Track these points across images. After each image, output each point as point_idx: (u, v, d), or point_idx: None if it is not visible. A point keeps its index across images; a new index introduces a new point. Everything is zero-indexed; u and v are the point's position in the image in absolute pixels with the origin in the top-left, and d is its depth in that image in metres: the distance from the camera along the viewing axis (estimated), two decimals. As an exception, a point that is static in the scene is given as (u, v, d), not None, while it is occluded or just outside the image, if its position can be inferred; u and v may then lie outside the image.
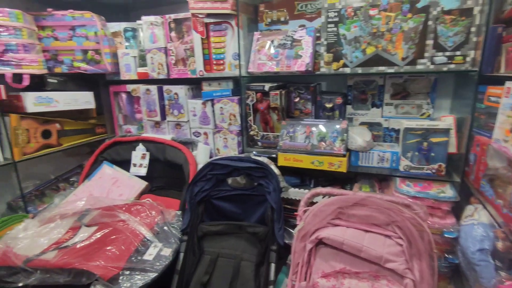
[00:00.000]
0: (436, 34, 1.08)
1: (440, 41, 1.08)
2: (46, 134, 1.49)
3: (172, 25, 1.46)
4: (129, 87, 1.66)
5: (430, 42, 1.09)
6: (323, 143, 1.26)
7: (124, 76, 1.64)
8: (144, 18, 1.50)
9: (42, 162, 1.58)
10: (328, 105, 1.38)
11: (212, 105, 1.46)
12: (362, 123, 1.40)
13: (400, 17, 1.10)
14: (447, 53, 1.08)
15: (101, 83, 1.74)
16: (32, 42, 1.38)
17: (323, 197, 1.23)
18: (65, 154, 1.71)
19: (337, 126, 1.28)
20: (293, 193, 1.36)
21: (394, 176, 1.22)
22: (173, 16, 1.45)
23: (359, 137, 1.26)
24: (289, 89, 1.43)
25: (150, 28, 1.49)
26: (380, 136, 1.39)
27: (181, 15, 1.44)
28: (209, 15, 1.36)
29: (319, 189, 1.14)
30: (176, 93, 1.52)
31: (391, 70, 1.16)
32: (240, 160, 1.25)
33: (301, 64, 1.31)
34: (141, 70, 1.58)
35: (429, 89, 1.29)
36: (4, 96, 1.24)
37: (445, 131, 1.13)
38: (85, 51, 1.52)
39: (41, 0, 1.53)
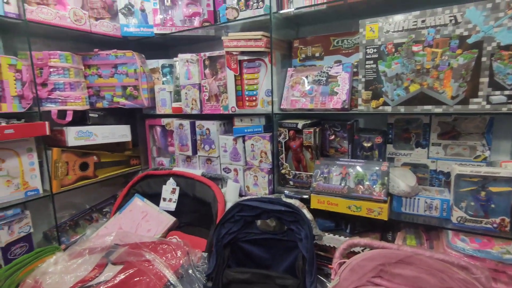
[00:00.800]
0: (492, 71, 0.97)
1: (497, 78, 0.96)
2: (83, 167, 1.55)
3: (207, 62, 1.49)
4: (164, 121, 1.69)
5: (484, 80, 0.98)
6: (361, 186, 1.16)
7: (160, 110, 1.68)
8: (180, 55, 1.54)
9: (79, 192, 1.63)
10: (367, 144, 1.28)
11: (243, 141, 1.43)
12: (405, 164, 1.28)
13: (448, 53, 1.01)
14: (507, 92, 0.96)
15: (138, 117, 1.80)
16: (78, 80, 1.47)
17: (362, 249, 1.11)
18: (100, 184, 1.75)
19: (377, 168, 1.18)
20: (327, 239, 1.25)
21: (446, 228, 1.07)
22: (208, 54, 1.48)
23: (402, 181, 1.14)
24: (324, 126, 1.36)
25: (186, 65, 1.53)
26: (426, 179, 1.25)
27: (215, 53, 1.46)
28: (242, 53, 1.36)
29: (357, 240, 1.02)
30: (208, 129, 1.51)
31: (438, 109, 1.05)
32: (270, 202, 1.18)
33: (337, 101, 1.24)
34: (175, 105, 1.61)
35: (484, 129, 1.15)
36: (48, 132, 1.31)
37: (508, 180, 0.97)
38: (124, 87, 1.59)
39: (91, 41, 1.65)
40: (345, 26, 1.37)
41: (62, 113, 1.41)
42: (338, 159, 1.29)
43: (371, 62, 1.13)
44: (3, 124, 1.17)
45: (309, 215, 1.16)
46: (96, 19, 1.55)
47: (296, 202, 1.20)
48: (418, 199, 1.14)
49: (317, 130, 1.31)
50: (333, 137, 1.36)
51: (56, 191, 1.42)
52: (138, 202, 1.56)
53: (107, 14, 1.60)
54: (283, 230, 1.20)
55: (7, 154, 1.26)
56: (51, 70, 1.37)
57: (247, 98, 1.41)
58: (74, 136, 1.45)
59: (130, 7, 1.57)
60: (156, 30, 1.55)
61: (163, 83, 1.70)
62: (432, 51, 1.03)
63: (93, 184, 1.60)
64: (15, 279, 1.20)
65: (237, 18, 1.36)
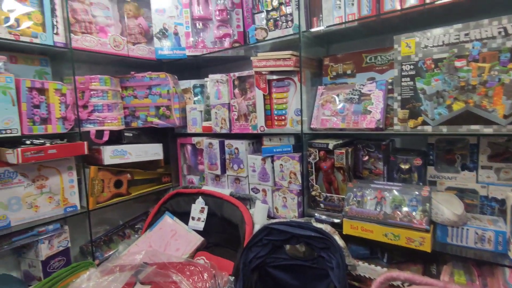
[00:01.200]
0: (552, 87, 0.86)
1: (559, 95, 0.85)
2: (118, 184, 1.60)
3: (236, 82, 1.50)
4: (194, 140, 1.72)
5: (543, 96, 0.87)
6: (399, 213, 1.07)
7: (191, 129, 1.71)
8: (211, 76, 1.57)
9: (113, 208, 1.69)
10: (404, 166, 1.19)
11: (272, 161, 1.40)
12: (450, 189, 1.16)
13: (498, 68, 0.92)
14: None
15: (169, 135, 1.85)
16: (116, 101, 1.55)
17: (402, 284, 1.00)
18: (133, 200, 1.80)
19: (417, 193, 1.08)
20: (362, 268, 1.16)
21: (502, 265, 0.94)
22: (237, 74, 1.49)
23: (447, 208, 1.03)
24: (357, 146, 1.29)
25: (216, 85, 1.55)
26: (475, 206, 1.12)
27: (244, 73, 1.47)
28: (271, 72, 1.35)
29: (396, 273, 0.93)
30: (236, 148, 1.51)
31: (488, 130, 0.94)
32: (300, 226, 1.13)
33: (370, 121, 1.17)
34: (206, 124, 1.63)
35: (544, 150, 1.02)
36: (86, 151, 1.38)
37: None
38: (158, 107, 1.65)
39: (128, 64, 1.74)
40: (378, 42, 1.31)
41: (99, 133, 1.49)
42: (372, 181, 1.21)
43: (408, 79, 1.06)
44: (48, 144, 1.26)
45: (341, 242, 1.08)
46: (133, 43, 1.64)
47: (327, 227, 1.13)
48: (467, 229, 1.02)
49: (350, 150, 1.25)
50: (366, 158, 1.28)
51: (92, 208, 1.48)
52: (168, 220, 1.57)
53: (143, 39, 1.69)
54: (313, 257, 1.13)
55: (50, 172, 1.35)
56: (92, 93, 1.46)
57: (276, 118, 1.39)
58: (110, 154, 1.51)
59: (164, 31, 1.64)
60: (188, 52, 1.61)
61: (194, 103, 1.73)
62: (478, 66, 0.94)
63: (127, 201, 1.65)
64: (51, 293, 1.25)
65: (266, 38, 1.37)
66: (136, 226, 1.80)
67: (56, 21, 1.35)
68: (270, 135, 1.43)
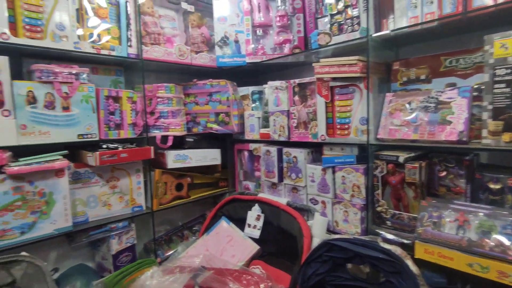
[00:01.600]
0: None
1: None
2: (179, 187, 1.68)
3: (296, 89, 1.46)
4: (252, 146, 1.72)
5: None
6: (488, 241, 0.92)
7: (248, 135, 1.72)
8: (270, 83, 1.56)
9: (173, 210, 1.77)
10: (494, 186, 1.03)
11: (333, 172, 1.32)
12: (554, 215, 0.97)
13: None
14: None
15: (227, 141, 1.88)
16: (179, 108, 1.63)
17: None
18: (191, 203, 1.87)
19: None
20: (437, 299, 1.03)
21: None
22: (297, 80, 1.45)
23: (553, 239, 0.86)
24: (432, 160, 1.16)
25: (275, 92, 1.53)
26: None
27: (305, 80, 1.42)
28: (334, 79, 1.28)
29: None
30: (295, 156, 1.46)
31: None
32: (365, 245, 1.04)
33: (450, 132, 1.04)
34: (263, 131, 1.62)
35: None
36: (153, 156, 1.46)
37: None
38: (217, 114, 1.68)
39: (190, 72, 1.81)
40: (461, 43, 1.16)
41: (164, 138, 1.57)
42: (452, 201, 1.07)
43: (503, 85, 0.92)
44: (120, 148, 1.36)
45: (414, 268, 0.97)
46: (196, 52, 1.71)
47: (397, 250, 1.02)
48: None
49: (423, 164, 1.12)
50: (444, 173, 1.14)
51: (156, 209, 1.56)
52: (225, 225, 1.59)
53: (205, 47, 1.74)
54: (379, 281, 1.04)
55: (121, 174, 1.46)
56: (158, 100, 1.55)
57: (338, 126, 1.31)
58: (173, 159, 1.59)
59: (225, 39, 1.67)
60: (248, 59, 1.62)
61: (252, 109, 1.74)
62: None
63: (186, 203, 1.71)
64: (120, 286, 1.35)
65: (329, 44, 1.30)
66: (193, 228, 1.86)
67: (130, 35, 1.46)
68: (331, 144, 1.36)
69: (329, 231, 1.34)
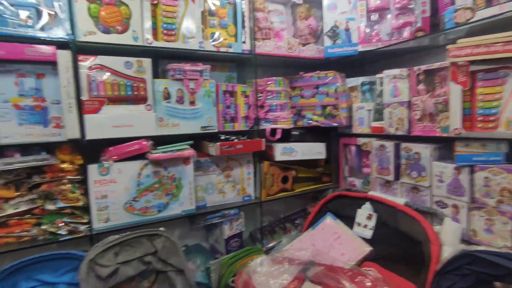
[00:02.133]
0: None
1: None
2: (284, 180, 1.70)
3: (421, 77, 1.30)
4: (360, 141, 1.62)
5: None
6: None
7: (356, 129, 1.62)
8: (386, 71, 1.43)
9: (277, 202, 1.81)
10: None
11: (471, 172, 1.13)
12: None
13: None
14: None
15: (332, 135, 1.81)
16: (286, 101, 1.64)
17: None
18: (294, 197, 1.88)
19: None
20: None
21: None
22: (423, 67, 1.28)
23: None
24: None
25: (392, 82, 1.40)
26: None
27: (435, 65, 1.24)
28: (477, 62, 1.08)
29: None
30: (417, 153, 1.31)
31: None
32: (526, 263, 0.85)
33: None
34: (375, 124, 1.50)
35: None
36: (263, 148, 1.51)
37: None
38: (324, 107, 1.63)
39: (297, 65, 1.81)
40: None
41: (273, 131, 1.60)
42: None
43: None
44: (236, 140, 1.44)
45: None
46: (303, 44, 1.68)
47: None
48: None
49: None
50: None
51: (264, 199, 1.62)
52: (330, 222, 1.54)
53: (312, 39, 1.71)
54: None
55: (235, 164, 1.55)
56: (268, 94, 1.59)
57: (480, 118, 1.11)
58: (280, 151, 1.61)
59: (335, 28, 1.60)
60: (360, 48, 1.51)
61: (361, 101, 1.63)
62: None
63: (290, 196, 1.73)
64: (233, 269, 1.44)
65: (470, 20, 1.11)
66: (296, 222, 1.87)
67: (244, 31, 1.52)
68: (467, 139, 1.16)
69: (463, 240, 1.16)
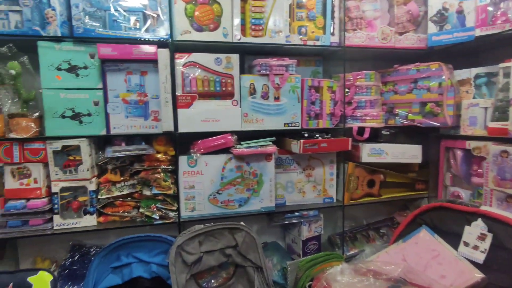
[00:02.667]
0: None
1: None
2: (370, 184, 1.55)
3: None
4: (470, 144, 1.35)
5: None
6: None
7: (466, 130, 1.37)
8: (514, 60, 1.15)
9: (361, 207, 1.67)
10: None
11: None
12: None
13: None
14: None
15: (431, 137, 1.57)
16: (377, 98, 1.48)
17: None
18: (380, 203, 1.70)
19: None
20: None
21: None
22: None
23: None
24: None
25: (523, 72, 1.12)
26: None
27: None
28: None
29: None
30: (558, 162, 1.02)
31: None
32: None
33: None
34: (496, 125, 1.23)
35: None
36: (350, 147, 1.40)
37: None
38: (423, 104, 1.42)
39: (389, 58, 1.62)
40: None
41: (360, 130, 1.47)
42: None
43: None
44: (320, 138, 1.36)
45: None
46: (400, 33, 1.50)
47: None
48: None
49: None
50: None
51: (347, 203, 1.50)
52: (426, 236, 1.34)
53: (411, 27, 1.50)
54: None
55: (317, 163, 1.47)
56: (357, 89, 1.46)
57: None
58: (368, 152, 1.47)
59: (443, 12, 1.37)
60: (479, 32, 1.26)
61: (474, 97, 1.36)
62: None
63: (376, 202, 1.57)
64: (310, 273, 1.37)
65: None
66: (380, 231, 1.69)
67: (333, 22, 1.43)
68: None
69: None
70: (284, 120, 1.37)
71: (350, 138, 1.40)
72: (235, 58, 1.30)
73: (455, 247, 1.24)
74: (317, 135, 1.38)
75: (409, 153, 1.51)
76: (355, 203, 1.52)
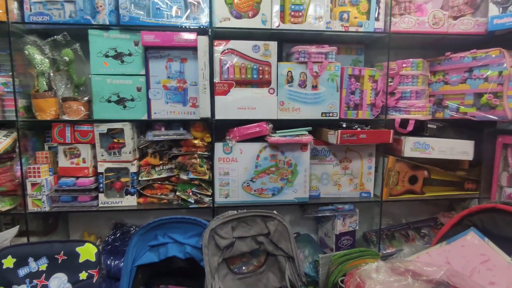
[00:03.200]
0: None
1: None
2: (412, 180, 1.45)
3: None
4: (533, 141, 1.21)
5: None
6: None
7: (528, 125, 1.22)
8: None
9: (401, 204, 1.58)
10: None
11: None
12: None
13: None
14: None
15: (486, 132, 1.43)
16: (424, 88, 1.38)
17: None
18: (423, 202, 1.60)
19: None
20: None
21: None
22: None
23: None
24: None
25: None
26: None
27: None
28: None
29: None
30: None
31: None
32: None
33: None
34: None
35: None
36: (391, 140, 1.32)
37: None
38: (478, 95, 1.30)
39: (440, 45, 1.49)
40: None
41: (404, 122, 1.38)
42: None
43: None
44: (359, 129, 1.30)
45: None
46: (455, 18, 1.37)
47: None
48: None
49: None
50: None
51: (385, 199, 1.42)
52: (475, 240, 1.23)
53: (468, 9, 1.37)
54: None
55: (354, 156, 1.41)
56: (401, 78, 1.37)
57: None
58: (410, 146, 1.37)
59: (507, -8, 1.23)
60: (551, 14, 1.11)
61: (540, 88, 1.21)
62: None
63: (417, 200, 1.47)
64: (343, 268, 1.33)
65: None
66: (421, 231, 1.59)
67: (378, 7, 1.34)
68: None
69: None
70: (321, 110, 1.33)
71: (392, 130, 1.32)
72: (273, 45, 1.28)
73: (509, 253, 1.13)
74: (356, 126, 1.32)
75: (459, 149, 1.39)
76: (394, 200, 1.44)
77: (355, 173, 1.43)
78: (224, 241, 1.12)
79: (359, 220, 1.51)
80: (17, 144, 1.23)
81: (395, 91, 1.38)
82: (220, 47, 1.26)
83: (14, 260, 0.97)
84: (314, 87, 1.32)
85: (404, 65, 1.36)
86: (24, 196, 1.24)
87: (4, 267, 0.96)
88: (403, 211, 1.65)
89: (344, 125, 1.33)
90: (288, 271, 1.17)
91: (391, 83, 1.39)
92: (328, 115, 1.34)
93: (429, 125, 1.43)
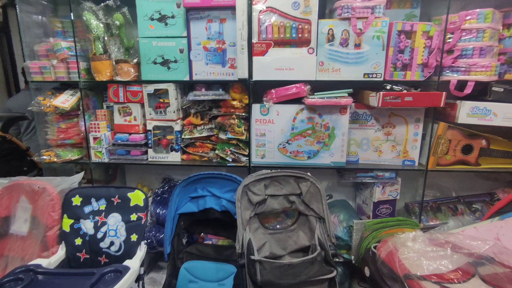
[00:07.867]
0: None
1: None
2: (466, 150, 1.32)
3: None
4: None
5: None
6: None
7: None
8: None
9: (451, 176, 1.46)
10: None
11: None
12: None
13: None
14: None
15: None
16: (491, 44, 1.19)
17: None
18: (478, 174, 1.45)
19: None
20: None
21: None
22: None
23: None
24: None
25: None
26: None
27: None
28: None
29: None
30: None
31: None
32: None
33: None
34: None
35: None
36: (442, 104, 1.20)
37: None
38: (562, 51, 1.08)
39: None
40: None
41: (460, 84, 1.23)
42: None
43: None
44: (405, 91, 1.20)
45: None
46: (542, -44, 1.12)
47: None
48: None
49: None
50: None
51: (431, 168, 1.33)
52: (535, 217, 1.10)
53: None
54: None
55: (398, 120, 1.32)
56: (463, 34, 1.20)
57: None
58: (467, 112, 1.23)
59: None
60: None
61: None
62: None
63: (471, 172, 1.34)
64: (377, 235, 1.31)
65: None
66: (473, 206, 1.46)
67: (441, -51, 1.16)
68: None
69: None
70: (363, 70, 1.25)
71: (444, 93, 1.19)
72: (314, 1, 1.21)
73: None
74: (401, 88, 1.22)
75: (529, 116, 1.21)
76: (442, 169, 1.33)
77: (399, 140, 1.34)
78: (257, 197, 1.17)
79: (402, 190, 1.44)
80: (81, 103, 1.40)
81: (454, 48, 1.22)
82: (258, 5, 1.23)
83: (81, 199, 1.16)
84: (357, 45, 1.23)
85: (468, 17, 1.19)
86: (88, 148, 1.43)
87: (73, 204, 1.16)
88: (452, 183, 1.52)
89: (388, 87, 1.24)
90: (318, 231, 1.19)
91: (450, 40, 1.23)
92: (371, 76, 1.25)
93: (494, 88, 1.25)
